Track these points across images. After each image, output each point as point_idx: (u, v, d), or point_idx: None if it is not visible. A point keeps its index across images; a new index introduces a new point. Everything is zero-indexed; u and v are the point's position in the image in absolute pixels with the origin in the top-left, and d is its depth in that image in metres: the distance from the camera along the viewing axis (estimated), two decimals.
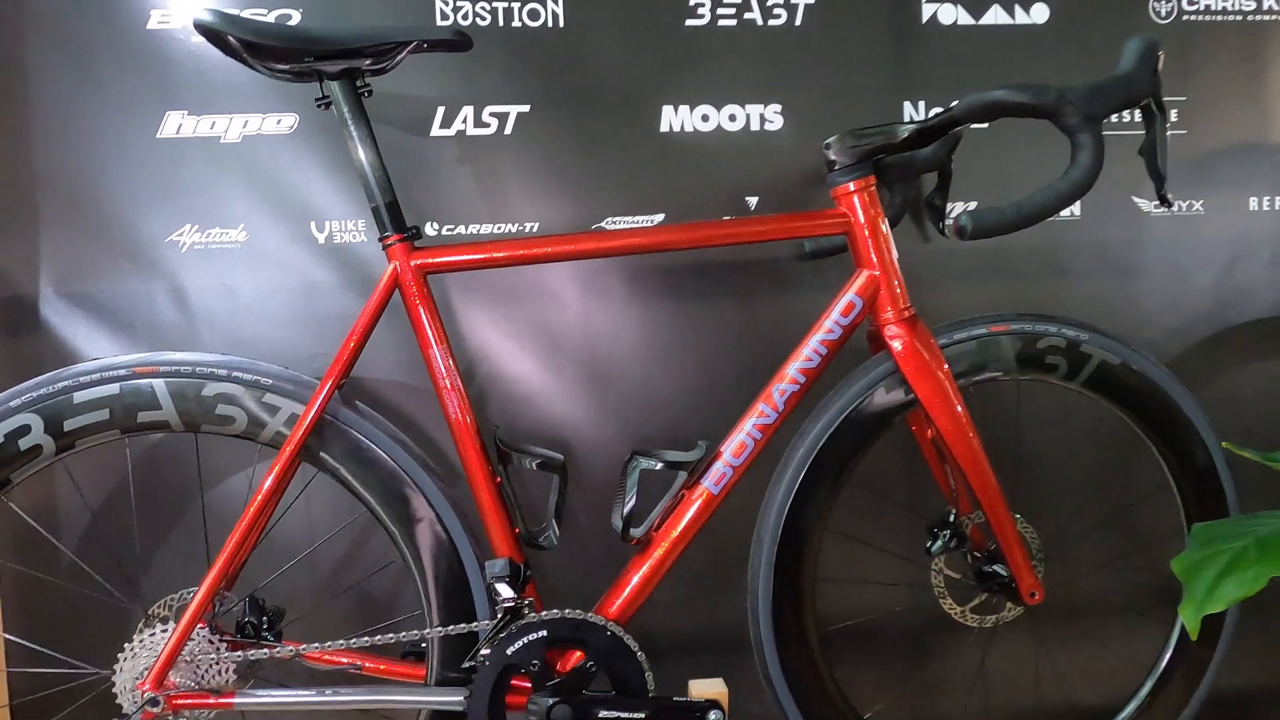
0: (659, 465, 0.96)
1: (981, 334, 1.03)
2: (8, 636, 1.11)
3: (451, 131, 1.19)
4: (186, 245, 1.16)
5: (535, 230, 1.20)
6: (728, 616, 1.22)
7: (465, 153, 1.19)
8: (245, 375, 0.91)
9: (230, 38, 0.86)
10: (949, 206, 1.10)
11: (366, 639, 0.93)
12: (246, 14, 1.12)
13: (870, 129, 0.97)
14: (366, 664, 0.96)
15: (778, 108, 1.23)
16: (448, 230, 1.19)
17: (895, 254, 1.00)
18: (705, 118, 1.23)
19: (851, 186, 0.98)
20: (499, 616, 0.92)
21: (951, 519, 1.09)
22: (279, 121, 1.16)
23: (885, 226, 0.99)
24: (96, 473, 1.15)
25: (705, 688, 1.01)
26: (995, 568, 1.07)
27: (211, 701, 0.87)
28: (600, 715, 0.93)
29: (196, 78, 1.14)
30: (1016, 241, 0.99)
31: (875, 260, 0.98)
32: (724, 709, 0.95)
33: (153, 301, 1.16)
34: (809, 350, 0.99)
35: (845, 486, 1.03)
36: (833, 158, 0.98)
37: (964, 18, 1.25)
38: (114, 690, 0.89)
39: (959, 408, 0.99)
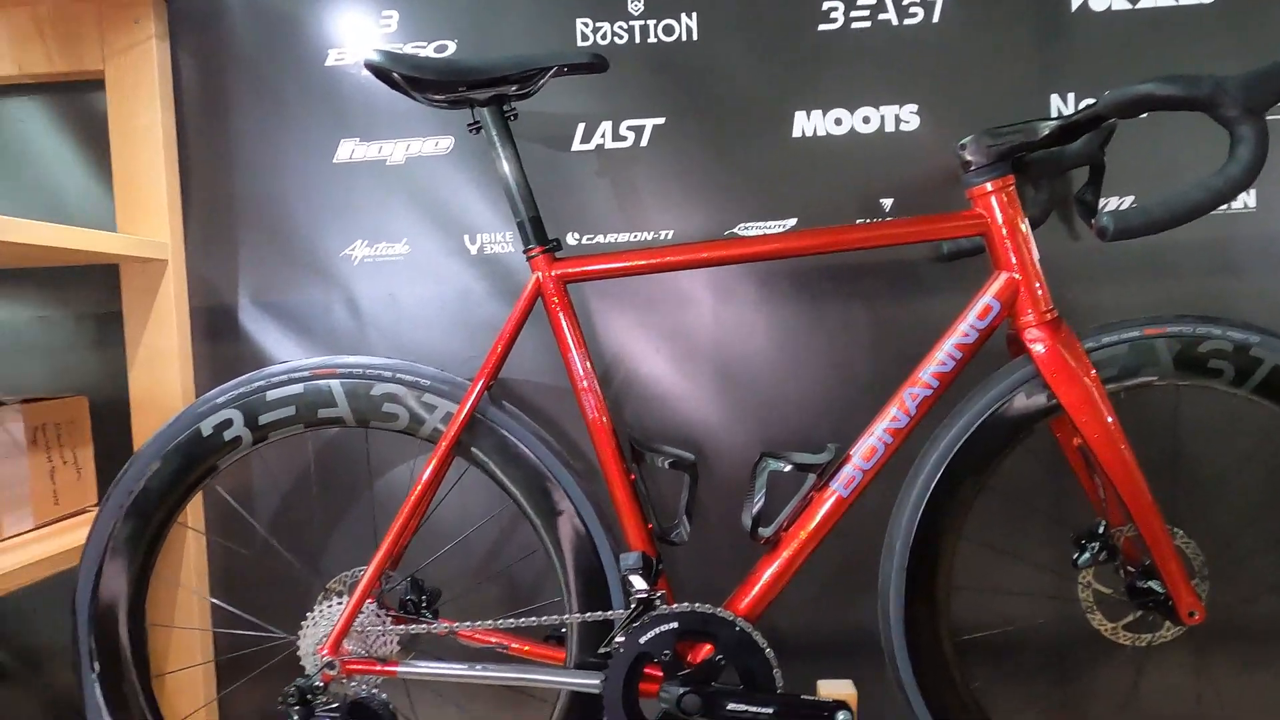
0: (788, 467, 0.98)
1: (1134, 337, 0.98)
2: (213, 600, 1.27)
3: (591, 146, 1.25)
4: (357, 259, 1.29)
5: (670, 238, 1.25)
6: (856, 620, 1.22)
7: (604, 166, 1.25)
8: (407, 377, 1.01)
9: (394, 74, 0.95)
10: (1101, 202, 1.05)
11: (512, 621, 1.01)
12: (408, 49, 1.24)
13: (1008, 127, 0.95)
14: (512, 644, 1.04)
15: (914, 108, 1.21)
16: (587, 239, 1.26)
17: (1036, 254, 0.97)
18: (838, 121, 1.23)
19: (989, 187, 0.96)
20: (633, 607, 0.97)
21: (1101, 531, 1.04)
22: (437, 144, 1.27)
23: (1025, 226, 0.97)
24: (282, 462, 1.30)
25: (834, 688, 1.02)
26: (1150, 584, 1.02)
27: (378, 668, 0.97)
28: (729, 707, 0.96)
29: (366, 108, 1.27)
30: (1179, 236, 0.93)
31: (1014, 262, 0.96)
32: (853, 711, 0.96)
33: (329, 309, 1.29)
34: (943, 354, 0.98)
35: (982, 493, 1.01)
36: (968, 158, 0.97)
37: (1119, 2, 1.18)
38: (298, 653, 1.01)
39: (1108, 414, 0.95)
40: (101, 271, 1.32)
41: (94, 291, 1.33)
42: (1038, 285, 0.96)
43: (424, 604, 1.05)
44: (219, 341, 1.31)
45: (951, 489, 0.99)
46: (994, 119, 0.98)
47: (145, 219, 1.26)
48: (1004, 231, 0.96)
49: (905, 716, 1.02)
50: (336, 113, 1.28)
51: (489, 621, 1.01)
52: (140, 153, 1.26)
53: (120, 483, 1.02)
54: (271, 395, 1.00)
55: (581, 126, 1.25)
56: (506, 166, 0.99)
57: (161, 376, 1.27)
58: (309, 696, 0.97)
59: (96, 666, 1.02)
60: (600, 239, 1.26)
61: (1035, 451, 1.14)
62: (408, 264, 1.28)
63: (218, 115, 1.29)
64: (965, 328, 0.97)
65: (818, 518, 0.99)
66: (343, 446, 1.29)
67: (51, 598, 1.24)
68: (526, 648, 1.04)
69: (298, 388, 1.00)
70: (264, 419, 1.01)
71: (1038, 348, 0.95)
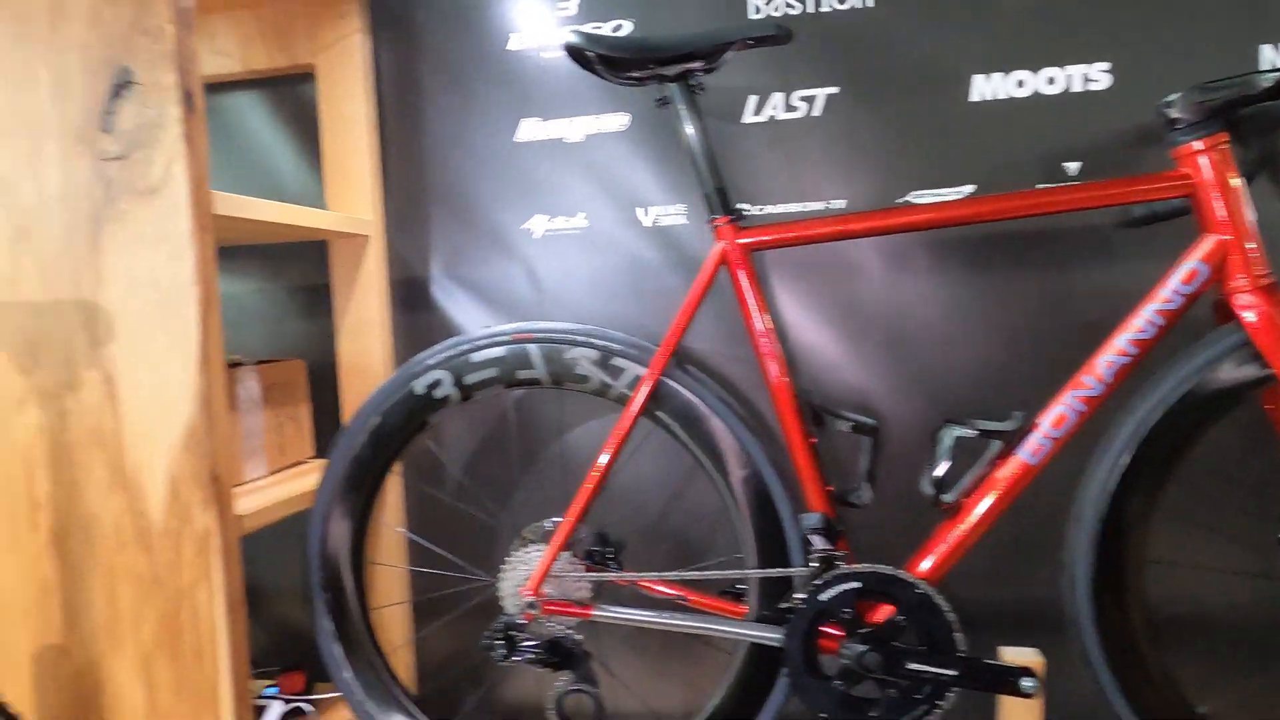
0: (974, 433, 0.98)
1: None
2: (414, 537, 1.39)
3: (763, 118, 1.27)
4: (538, 232, 1.37)
5: (841, 208, 1.26)
6: (1037, 591, 1.21)
7: (775, 137, 1.27)
8: (598, 341, 1.07)
9: (591, 54, 1.01)
10: None
11: (694, 574, 1.06)
12: (605, 30, 1.30)
13: (1222, 81, 0.90)
14: (691, 597, 1.09)
15: (1104, 66, 1.17)
16: (757, 210, 1.29)
17: (1251, 215, 0.92)
18: (1020, 83, 1.20)
19: (1198, 145, 0.92)
20: (815, 565, 1.00)
21: None
22: (614, 121, 1.32)
23: (1238, 186, 0.92)
24: (481, 420, 1.40)
25: (1018, 655, 1.01)
26: None
27: (575, 610, 1.05)
28: (910, 667, 0.98)
29: (545, 88, 1.34)
30: None
31: (1225, 223, 0.92)
32: (1038, 677, 0.96)
33: (511, 280, 1.38)
34: (1143, 320, 0.95)
35: (1181, 465, 0.97)
36: (1175, 115, 0.93)
37: None
38: (498, 595, 1.10)
39: None
40: (311, 248, 1.46)
41: (304, 266, 1.47)
42: (1251, 248, 0.91)
43: (608, 556, 1.12)
44: (413, 311, 1.43)
45: (1148, 460, 0.96)
46: (1194, 75, 0.94)
47: (351, 199, 1.39)
48: (1215, 191, 0.92)
49: (1091, 690, 1.01)
50: (518, 95, 1.35)
51: (673, 574, 1.06)
52: (346, 138, 1.38)
53: (345, 434, 1.13)
54: (476, 358, 1.09)
55: (753, 99, 1.27)
56: (694, 139, 1.03)
57: (365, 343, 1.40)
58: (512, 633, 1.06)
59: (326, 599, 1.15)
60: (770, 209, 1.28)
61: (1241, 423, 1.09)
62: (585, 236, 1.35)
63: (411, 102, 1.40)
64: (1168, 293, 0.94)
65: (1002, 485, 0.99)
66: (534, 407, 1.38)
67: (260, 540, 1.40)
68: (703, 601, 1.09)
69: (500, 351, 1.08)
70: (469, 379, 1.10)
71: (1249, 315, 0.91)
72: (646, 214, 1.33)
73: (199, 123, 1.00)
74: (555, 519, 1.14)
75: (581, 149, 1.33)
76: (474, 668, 1.42)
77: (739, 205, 1.04)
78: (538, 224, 1.36)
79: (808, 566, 1.02)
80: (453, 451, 1.41)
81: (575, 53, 1.03)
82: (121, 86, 0.99)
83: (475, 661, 1.42)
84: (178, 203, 0.98)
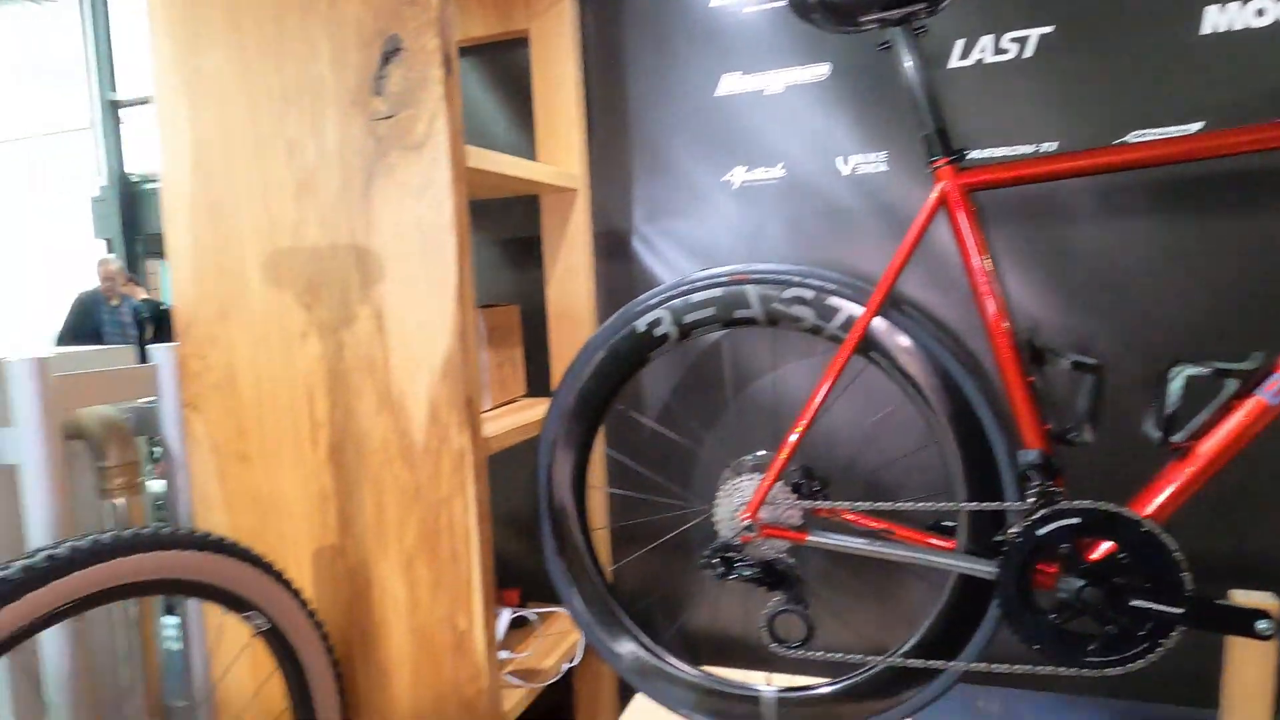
0: (1207, 372, 0.97)
1: None
2: (632, 464, 1.50)
3: (969, 62, 1.27)
4: (736, 183, 1.42)
5: (1054, 149, 1.24)
6: (1267, 539, 1.17)
7: (983, 80, 1.26)
8: (815, 281, 1.12)
9: (814, 3, 1.04)
10: None
11: (908, 505, 1.10)
12: None
13: None
14: (897, 530, 1.13)
15: None
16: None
17: None
18: (1260, 12, 1.14)
19: None
20: (1032, 501, 1.02)
21: None
22: (814, 72, 1.35)
23: None
24: (693, 358, 1.49)
25: (1252, 598, 1.00)
26: None
27: (791, 534, 1.12)
28: (1132, 604, 0.98)
29: (746, 43, 1.38)
30: None
31: None
32: (1274, 620, 0.94)
33: (710, 230, 1.45)
34: None
35: None
36: None
37: None
38: (713, 520, 1.18)
39: None
40: (520, 204, 1.57)
41: (514, 220, 1.59)
42: None
43: (815, 490, 1.17)
44: (613, 261, 1.52)
45: None
46: None
47: (560, 155, 1.48)
48: None
49: None
50: (718, 50, 1.40)
51: (883, 504, 1.11)
52: (556, 98, 1.48)
53: (571, 370, 1.24)
54: (695, 298, 1.16)
55: (960, 43, 1.27)
56: (916, 81, 1.05)
57: (572, 291, 1.50)
58: (728, 554, 1.14)
59: (551, 520, 1.27)
60: (977, 155, 1.28)
61: None
62: (782, 186, 1.39)
63: (614, 63, 1.47)
64: None
65: (1238, 426, 0.97)
66: (746, 345, 1.45)
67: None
68: (910, 534, 1.13)
69: (718, 291, 1.15)
70: (688, 319, 1.17)
71: None
72: (846, 163, 1.35)
73: (456, 83, 1.11)
74: (762, 452, 1.21)
75: (781, 100, 1.37)
76: (665, 597, 1.52)
77: (961, 148, 1.05)
78: (736, 175, 1.42)
79: (1024, 502, 1.04)
80: (664, 387, 1.50)
81: (798, 4, 1.06)
82: (391, 53, 1.11)
83: (668, 590, 1.52)
84: (439, 156, 1.10)
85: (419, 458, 1.16)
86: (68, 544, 0.87)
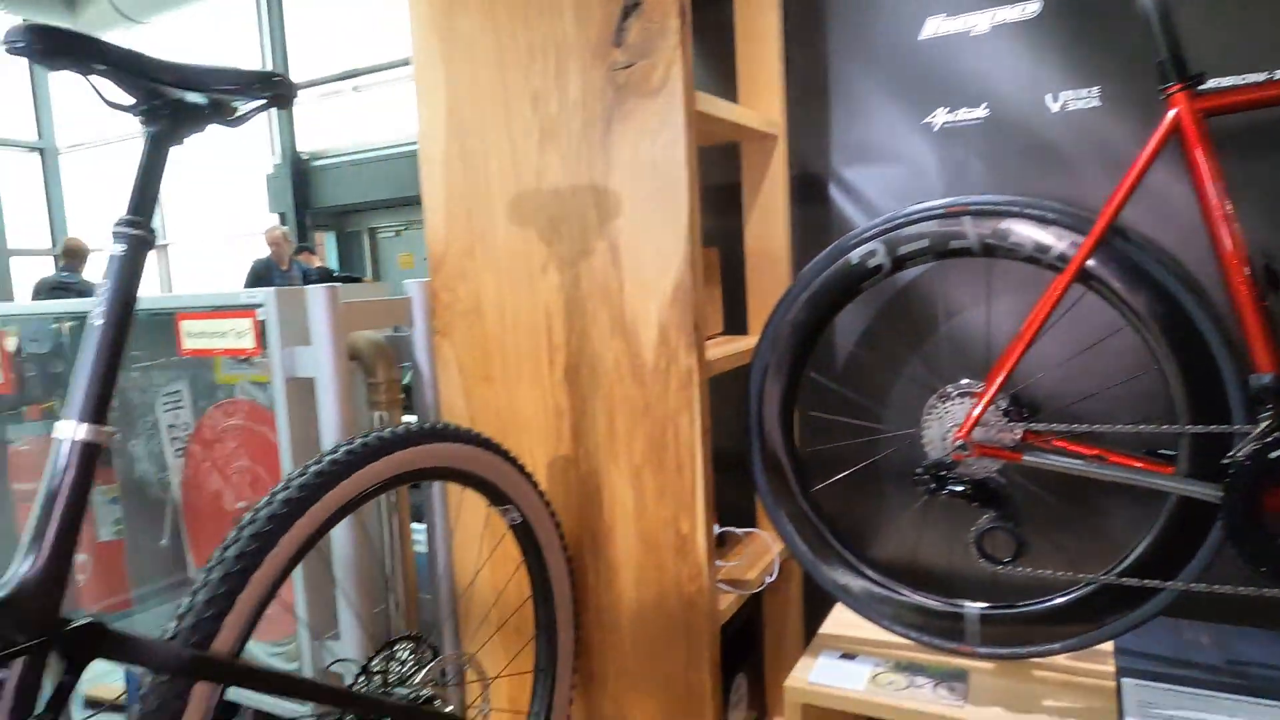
0: None
1: None
2: (838, 388, 1.58)
3: None
4: (937, 125, 1.46)
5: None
6: None
7: (1213, 6, 1.24)
8: (1034, 211, 1.15)
9: None
10: None
11: (1127, 428, 1.13)
12: None
13: None
14: (1111, 456, 1.16)
15: None
16: None
17: None
18: None
19: None
20: (1265, 424, 1.03)
21: None
22: (1023, 10, 1.37)
23: None
24: (893, 290, 1.55)
25: None
26: None
27: (1006, 454, 1.17)
28: None
29: None
30: None
31: None
32: None
33: (909, 172, 1.49)
34: None
35: None
36: None
37: None
38: (922, 442, 1.24)
39: None
40: (717, 151, 1.66)
41: (710, 168, 1.69)
42: None
43: (1024, 415, 1.22)
44: (809, 205, 1.59)
45: None
46: None
47: (761, 103, 1.56)
48: None
49: None
50: None
51: (1102, 426, 1.14)
52: (758, 49, 1.55)
53: (784, 300, 1.32)
54: (909, 230, 1.22)
55: None
56: (1150, 4, 1.06)
57: (769, 233, 1.59)
58: (940, 472, 1.20)
59: (760, 442, 1.37)
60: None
61: None
62: (986, 126, 1.42)
63: (815, 10, 1.53)
64: None
65: None
66: (947, 279, 1.50)
67: None
68: (1125, 459, 1.16)
69: (933, 223, 1.21)
70: (902, 250, 1.23)
71: None
72: (1055, 100, 1.36)
73: (689, 33, 1.20)
74: (966, 380, 1.26)
75: (987, 40, 1.40)
76: (861, 519, 1.60)
77: (1198, 72, 1.05)
78: (938, 117, 1.45)
79: (1255, 425, 1.05)
80: (866, 318, 1.57)
81: None
82: (631, 7, 1.22)
83: (864, 512, 1.59)
84: (674, 101, 1.20)
85: (648, 377, 1.28)
86: (381, 432, 1.04)
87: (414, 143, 1.45)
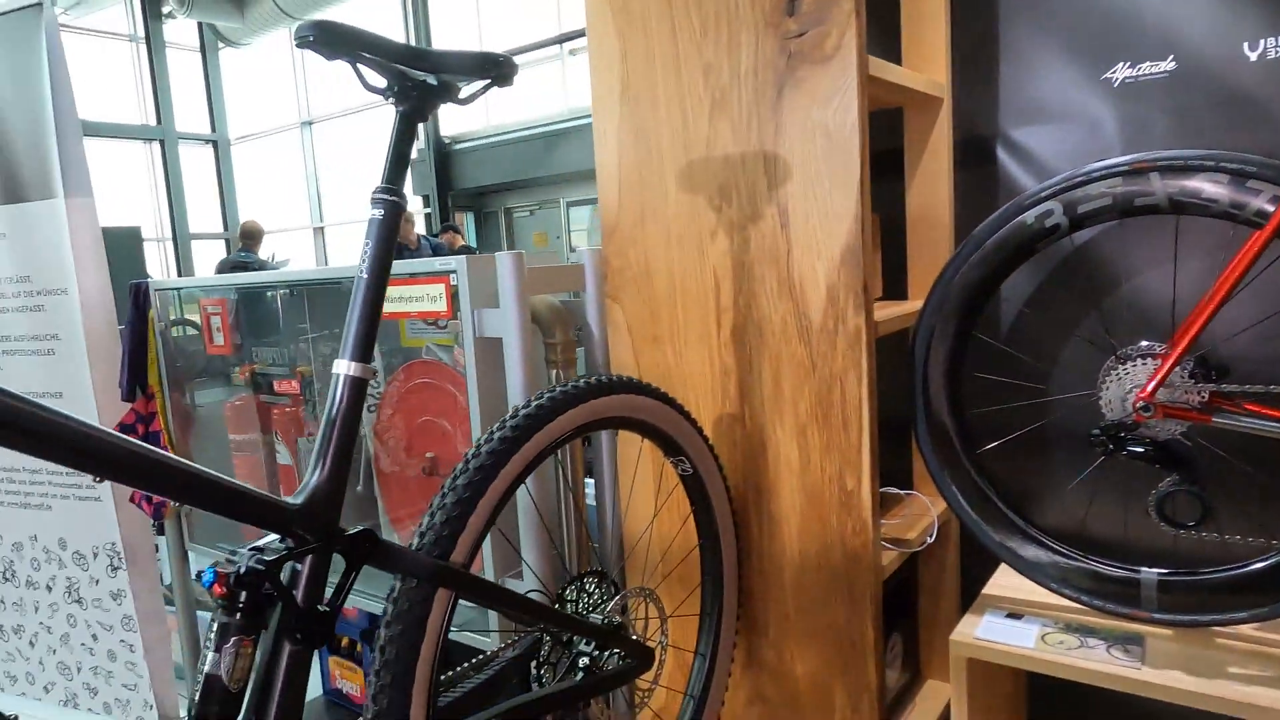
0: None
1: None
2: (1007, 349, 1.58)
3: None
4: (1118, 80, 1.41)
5: None
6: None
7: None
8: (1231, 164, 1.11)
9: None
10: None
11: None
12: None
13: None
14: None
15: None
16: None
17: None
18: None
19: None
20: None
21: None
22: None
23: None
24: (1067, 250, 1.52)
25: None
26: None
27: (1195, 415, 1.14)
28: None
29: None
30: None
31: None
32: None
33: (1085, 131, 1.45)
34: None
35: None
36: None
37: None
38: (1100, 403, 1.23)
39: None
40: (879, 116, 1.67)
41: (877, 134, 1.69)
42: None
43: (1211, 377, 1.18)
44: (973, 168, 1.58)
45: None
46: None
47: (927, 65, 1.56)
48: None
49: None
50: None
51: None
52: (924, 8, 1.55)
53: (954, 261, 1.33)
54: (1091, 189, 1.20)
55: None
56: None
57: (932, 198, 1.59)
58: (1120, 434, 1.19)
59: (924, 403, 1.38)
60: None
61: None
62: (1172, 80, 1.36)
63: None
64: None
65: None
66: (1115, 236, 1.46)
67: None
68: None
69: (1116, 180, 1.18)
70: (1082, 209, 1.22)
71: None
72: (1254, 48, 1.30)
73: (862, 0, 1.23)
74: (1145, 342, 1.23)
75: None
76: (1029, 481, 1.58)
77: None
78: (1118, 72, 1.41)
79: None
80: (1037, 279, 1.55)
81: None
82: None
83: (1032, 474, 1.58)
84: (847, 66, 1.23)
85: (815, 337, 1.32)
86: (578, 382, 1.13)
87: (545, 124, 1.54)
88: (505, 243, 10.49)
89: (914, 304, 1.53)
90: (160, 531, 2.40)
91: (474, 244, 10.22)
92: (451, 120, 10.20)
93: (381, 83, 0.89)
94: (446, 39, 10.00)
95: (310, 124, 11.59)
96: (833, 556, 1.37)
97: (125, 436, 0.67)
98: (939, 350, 1.37)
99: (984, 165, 1.56)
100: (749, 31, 1.31)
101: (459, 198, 10.43)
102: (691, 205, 1.42)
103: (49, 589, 2.51)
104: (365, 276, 0.87)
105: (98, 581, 2.40)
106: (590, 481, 1.68)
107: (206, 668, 0.74)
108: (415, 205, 10.33)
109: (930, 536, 1.51)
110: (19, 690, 2.67)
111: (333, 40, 0.80)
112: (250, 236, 6.75)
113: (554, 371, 1.55)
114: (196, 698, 0.73)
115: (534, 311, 1.53)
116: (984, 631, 1.29)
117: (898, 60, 1.60)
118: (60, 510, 2.39)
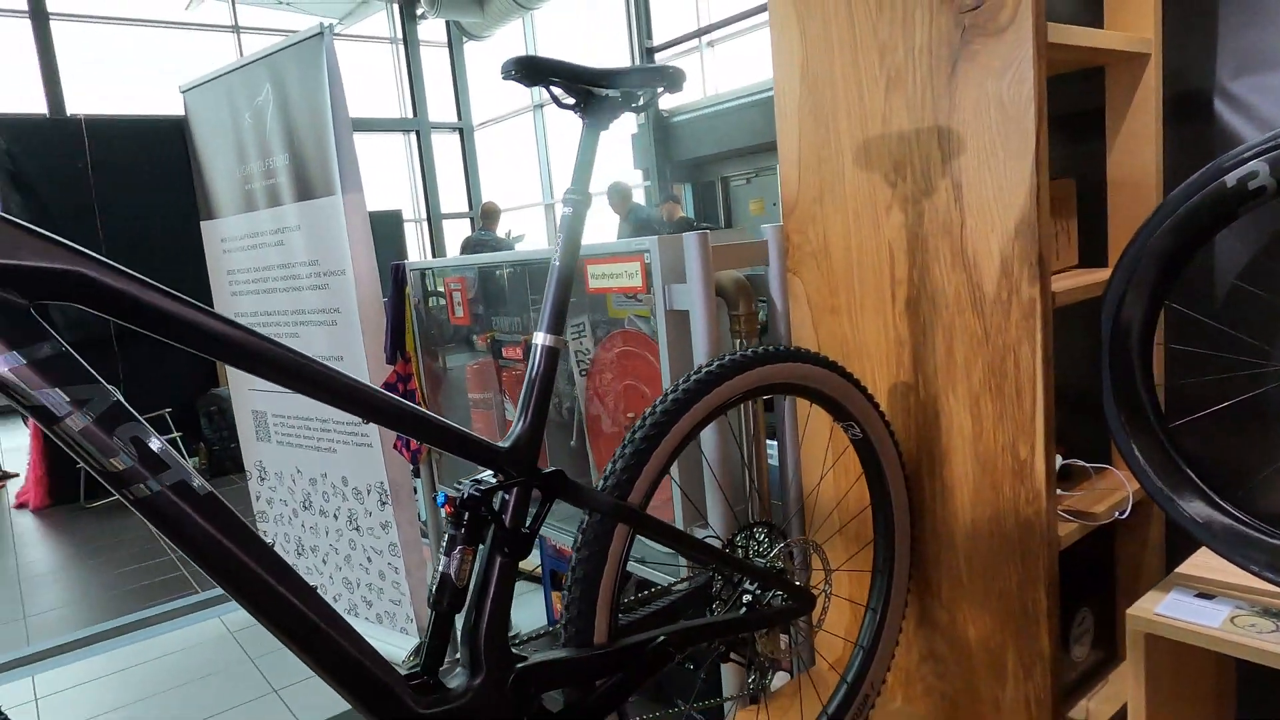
0: None
1: None
2: (1207, 320, 1.49)
3: None
4: None
5: None
6: None
7: None
8: None
9: None
10: None
11: None
12: None
13: None
14: None
15: None
16: None
17: None
18: None
19: None
20: None
21: None
22: None
23: None
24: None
25: None
26: None
27: None
28: None
29: None
30: None
31: None
32: None
33: None
34: None
35: None
36: None
37: None
38: None
39: None
40: (1075, 77, 1.60)
41: (1067, 95, 1.63)
42: None
43: None
44: (1185, 125, 1.48)
45: None
46: None
47: (1133, 21, 1.48)
48: None
49: None
50: None
51: None
52: None
53: (1148, 225, 1.28)
54: None
55: None
56: None
57: (1137, 160, 1.51)
58: None
59: (1113, 373, 1.35)
60: None
61: None
62: None
63: None
64: None
65: None
66: None
67: None
68: None
69: None
70: None
71: None
72: None
73: None
74: None
75: None
76: (1228, 457, 1.48)
77: None
78: None
79: None
80: (1247, 242, 1.45)
81: None
82: None
83: (1231, 451, 1.48)
84: (1023, 36, 1.23)
85: (989, 308, 1.34)
86: (745, 351, 1.25)
87: (760, 91, 1.64)
88: (721, 212, 10.64)
89: (1105, 273, 1.48)
90: (417, 474, 2.84)
91: (691, 214, 10.47)
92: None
93: (571, 100, 1.06)
94: (665, 17, 10.23)
95: (541, 107, 12.39)
96: (1005, 524, 1.38)
97: (385, 391, 0.90)
98: (1129, 319, 1.33)
99: (1200, 123, 1.46)
100: (922, 9, 1.34)
101: (678, 169, 10.70)
102: (867, 181, 1.48)
103: (335, 517, 3.06)
104: (557, 264, 1.05)
105: (370, 514, 2.90)
106: (773, 442, 1.79)
107: (440, 568, 0.97)
108: (635, 178, 10.75)
109: (1121, 513, 1.47)
110: None
111: (529, 71, 0.98)
112: (489, 216, 7.45)
113: (738, 341, 1.68)
114: (433, 588, 0.97)
115: (720, 285, 1.66)
116: (1166, 608, 1.26)
117: (1099, 20, 1.53)
118: (343, 453, 2.91)
